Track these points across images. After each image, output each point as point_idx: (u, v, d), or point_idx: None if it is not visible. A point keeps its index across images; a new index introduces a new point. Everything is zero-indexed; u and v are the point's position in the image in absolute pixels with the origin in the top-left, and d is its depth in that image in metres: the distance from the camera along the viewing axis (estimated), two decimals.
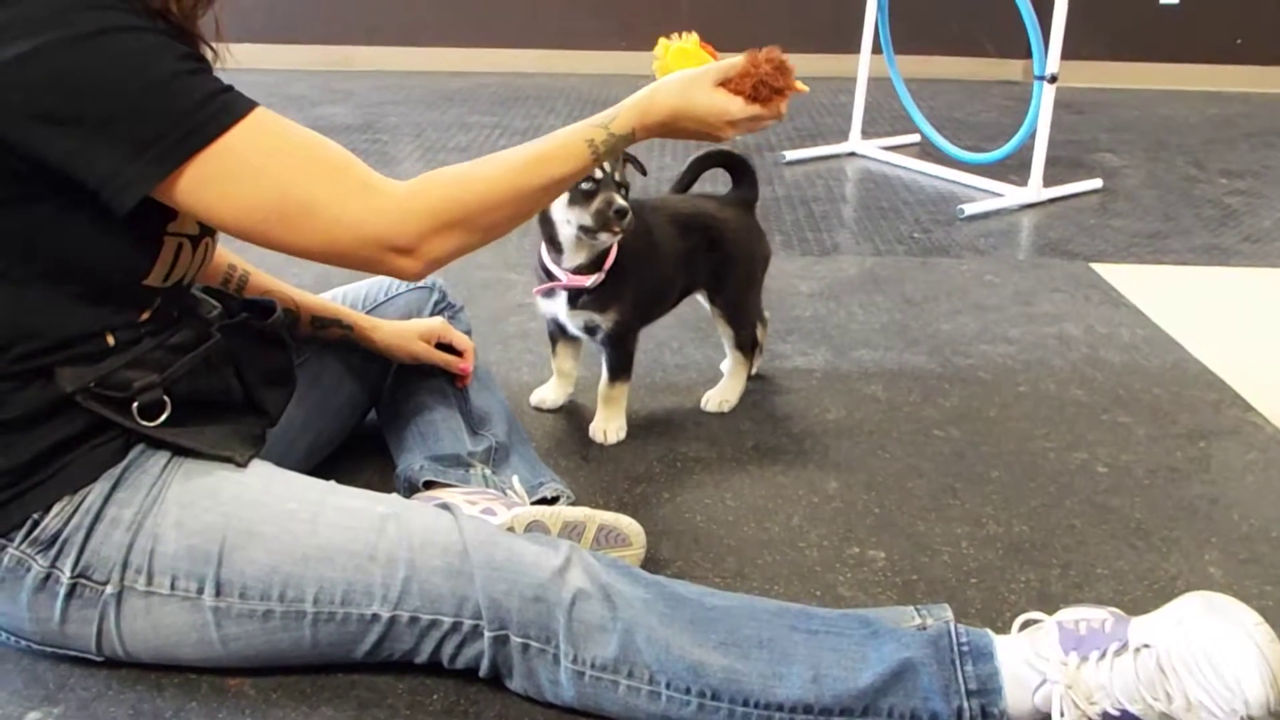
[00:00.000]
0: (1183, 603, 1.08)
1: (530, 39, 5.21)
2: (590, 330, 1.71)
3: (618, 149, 1.18)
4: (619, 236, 1.58)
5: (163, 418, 1.11)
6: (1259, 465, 1.70)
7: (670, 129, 1.21)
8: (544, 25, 5.23)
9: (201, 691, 1.15)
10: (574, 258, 1.64)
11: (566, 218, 1.59)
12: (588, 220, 1.56)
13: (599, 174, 1.54)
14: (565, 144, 1.15)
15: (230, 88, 1.03)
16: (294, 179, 1.04)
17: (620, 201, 1.53)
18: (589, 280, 1.64)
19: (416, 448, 1.48)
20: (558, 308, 1.70)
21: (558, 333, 1.80)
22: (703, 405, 1.85)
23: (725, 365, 1.90)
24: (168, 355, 1.11)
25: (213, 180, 1.01)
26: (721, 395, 1.85)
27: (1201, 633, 1.04)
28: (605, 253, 1.64)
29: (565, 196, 1.57)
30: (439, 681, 1.17)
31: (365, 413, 1.62)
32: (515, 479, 1.44)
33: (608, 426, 1.74)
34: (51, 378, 1.07)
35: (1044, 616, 1.12)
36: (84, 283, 1.07)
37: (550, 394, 1.85)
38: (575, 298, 1.67)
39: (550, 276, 1.67)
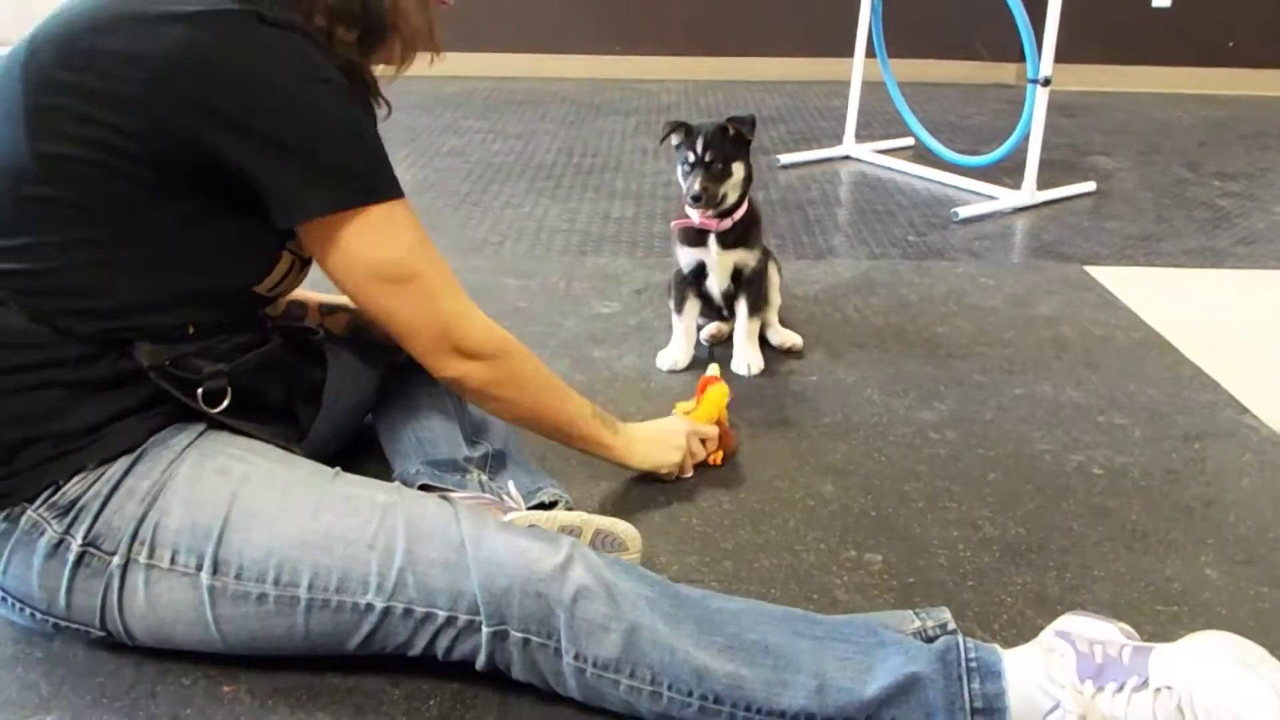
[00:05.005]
0: (1212, 646, 1.06)
1: (523, 43, 5.21)
2: (736, 273, 1.99)
3: (610, 421, 1.49)
4: (705, 213, 1.91)
5: (224, 405, 1.19)
6: (1255, 467, 1.70)
7: (643, 438, 1.55)
8: (537, 29, 5.23)
9: (197, 698, 1.15)
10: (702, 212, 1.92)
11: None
12: (685, 196, 1.91)
13: (691, 157, 1.88)
14: (586, 406, 1.45)
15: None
16: (419, 256, 1.22)
17: (696, 188, 1.86)
18: (717, 224, 1.94)
19: (413, 453, 1.47)
20: (706, 253, 1.97)
21: (691, 287, 2.02)
22: (733, 368, 2.00)
23: (738, 336, 2.05)
24: (232, 351, 1.21)
25: (361, 232, 1.16)
26: (747, 358, 2.01)
27: (1231, 686, 1.01)
28: (735, 206, 1.93)
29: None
30: (436, 686, 1.17)
31: (361, 417, 1.61)
32: (511, 484, 1.43)
33: (750, 360, 2.01)
34: (127, 351, 1.13)
35: (1061, 643, 1.10)
36: (201, 278, 1.17)
37: (680, 355, 2.02)
38: (724, 241, 1.95)
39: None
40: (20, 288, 1.10)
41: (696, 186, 1.86)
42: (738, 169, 1.90)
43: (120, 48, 1.07)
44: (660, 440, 1.57)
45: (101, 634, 1.15)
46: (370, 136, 1.18)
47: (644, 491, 1.59)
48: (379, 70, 1.28)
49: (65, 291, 1.11)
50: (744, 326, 2.02)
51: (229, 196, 1.12)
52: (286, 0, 1.15)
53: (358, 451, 1.59)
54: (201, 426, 1.19)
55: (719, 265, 1.98)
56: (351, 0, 1.20)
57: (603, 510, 1.51)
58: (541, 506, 1.43)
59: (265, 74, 1.10)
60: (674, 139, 1.93)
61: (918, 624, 1.22)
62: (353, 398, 1.55)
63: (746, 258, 1.98)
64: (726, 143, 1.88)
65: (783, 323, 2.15)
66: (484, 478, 1.44)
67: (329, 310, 1.59)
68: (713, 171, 1.88)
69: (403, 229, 1.20)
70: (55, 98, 1.08)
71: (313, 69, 1.12)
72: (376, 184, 1.17)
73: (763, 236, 2.03)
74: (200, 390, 1.17)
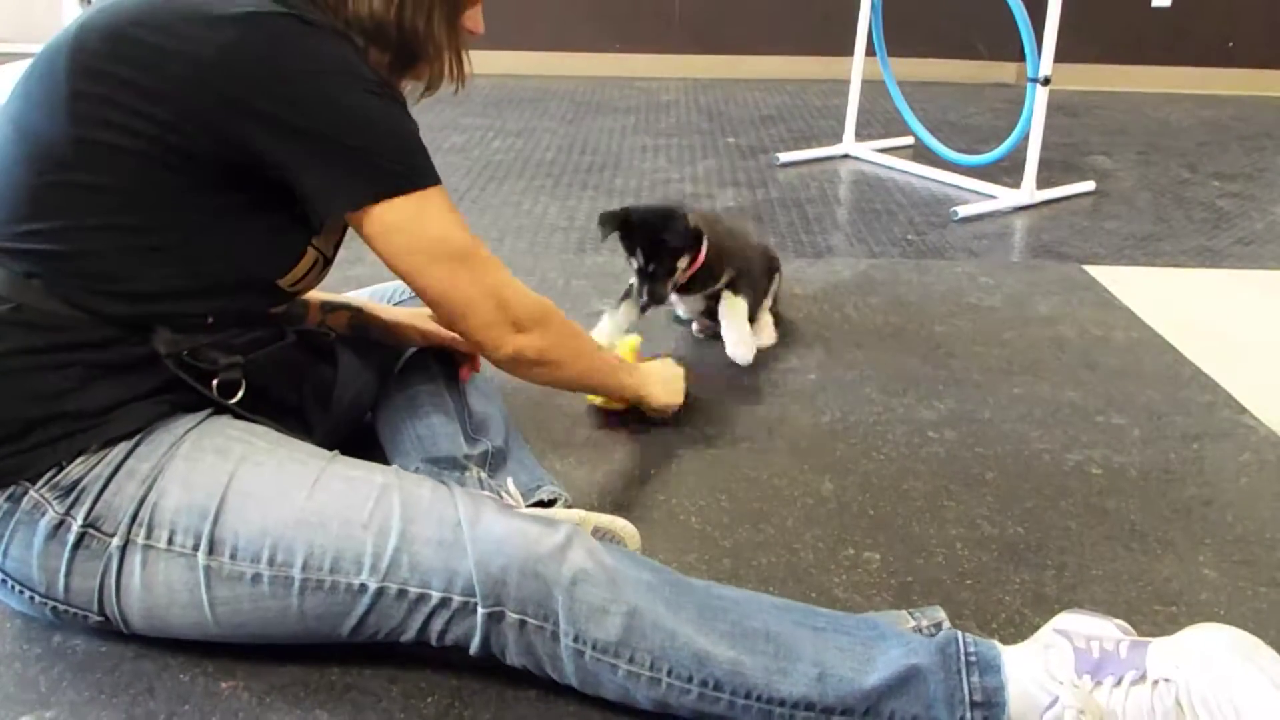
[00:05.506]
0: (1209, 638, 1.06)
1: (523, 41, 5.22)
2: (709, 313, 2.00)
3: (628, 367, 1.71)
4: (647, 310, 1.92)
5: (238, 396, 1.21)
6: (1253, 467, 1.71)
7: (656, 379, 1.73)
8: (537, 27, 5.23)
9: (195, 694, 1.15)
10: None
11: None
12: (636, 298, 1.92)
13: (636, 264, 1.86)
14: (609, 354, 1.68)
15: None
16: (467, 235, 1.26)
17: (645, 299, 1.87)
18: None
19: (413, 450, 1.47)
20: (676, 304, 2.00)
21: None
22: (729, 353, 1.92)
23: (726, 322, 1.97)
24: (248, 345, 1.23)
25: (415, 215, 1.20)
26: (739, 342, 1.93)
27: (1231, 678, 1.01)
28: (688, 267, 1.89)
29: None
30: (433, 685, 1.17)
31: (362, 415, 1.62)
32: (510, 482, 1.43)
33: (741, 342, 1.92)
34: (146, 337, 1.15)
35: (1059, 639, 1.10)
36: (228, 269, 1.19)
37: (604, 333, 1.96)
38: (686, 289, 1.95)
39: None
40: (51, 269, 1.12)
41: (645, 298, 1.87)
42: (684, 260, 1.87)
43: (167, 43, 1.10)
44: (669, 381, 1.76)
45: (99, 619, 1.15)
46: (409, 128, 1.22)
47: (644, 490, 1.60)
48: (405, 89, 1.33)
49: (95, 275, 1.13)
50: (729, 311, 1.97)
51: (262, 191, 1.16)
52: (327, 16, 1.21)
53: (357, 449, 1.58)
54: (205, 412, 1.20)
55: (686, 307, 1.98)
56: (386, 25, 1.24)
57: (602, 509, 1.51)
58: (540, 504, 1.43)
59: (310, 73, 1.13)
60: (617, 234, 1.88)
61: (912, 624, 1.22)
62: (354, 396, 1.55)
63: (714, 290, 1.95)
64: (667, 250, 1.84)
65: (781, 321, 2.15)
66: (483, 475, 1.44)
67: (331, 308, 1.59)
68: (659, 277, 1.86)
69: (449, 211, 1.25)
70: (98, 87, 1.10)
71: (354, 69, 1.16)
72: (422, 171, 1.22)
73: (736, 256, 1.98)
74: (215, 381, 1.19)
